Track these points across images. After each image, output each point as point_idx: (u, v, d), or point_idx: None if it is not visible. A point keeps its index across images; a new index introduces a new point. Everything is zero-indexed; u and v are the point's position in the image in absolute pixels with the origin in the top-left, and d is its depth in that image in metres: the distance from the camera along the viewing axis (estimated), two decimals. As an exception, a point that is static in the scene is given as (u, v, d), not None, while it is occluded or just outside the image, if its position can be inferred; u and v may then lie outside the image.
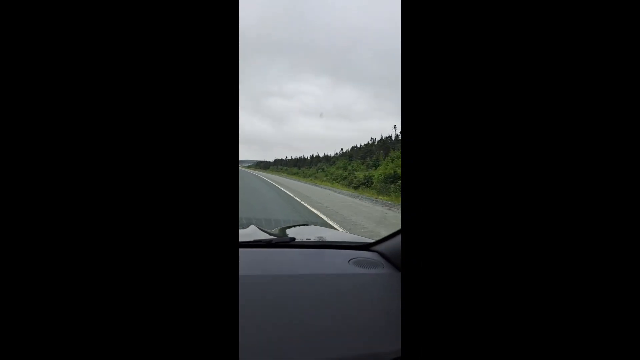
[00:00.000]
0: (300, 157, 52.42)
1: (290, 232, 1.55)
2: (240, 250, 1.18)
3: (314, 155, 45.49)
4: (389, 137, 28.95)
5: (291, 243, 1.30)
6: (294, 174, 34.58)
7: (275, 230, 1.53)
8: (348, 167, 25.73)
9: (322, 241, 1.35)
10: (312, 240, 1.37)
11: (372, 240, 1.34)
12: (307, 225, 2.78)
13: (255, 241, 1.26)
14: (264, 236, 1.34)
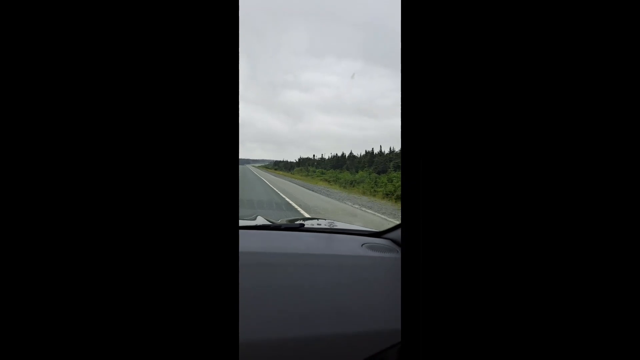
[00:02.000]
0: (342, 154, 35.48)
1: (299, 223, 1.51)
2: (249, 231, 1.18)
3: (373, 152, 29.36)
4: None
5: (301, 228, 1.26)
6: (354, 182, 15.48)
7: (282, 221, 1.50)
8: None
9: (332, 228, 1.31)
10: (322, 226, 1.32)
11: (381, 230, 1.31)
12: (314, 219, 2.74)
13: (263, 225, 1.23)
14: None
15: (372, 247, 1.14)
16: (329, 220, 1.38)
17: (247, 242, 1.07)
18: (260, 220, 1.44)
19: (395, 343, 0.66)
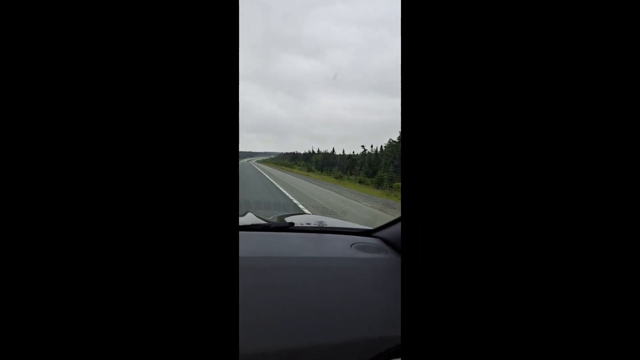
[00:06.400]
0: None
1: (289, 220, 1.48)
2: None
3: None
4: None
5: (290, 228, 1.24)
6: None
7: (273, 218, 1.47)
8: None
9: (322, 226, 1.30)
10: (312, 225, 1.30)
11: (372, 228, 1.30)
12: (306, 214, 2.61)
13: (252, 225, 1.21)
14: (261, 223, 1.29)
15: (361, 248, 1.13)
16: (319, 220, 1.36)
17: None
18: (250, 218, 1.42)
19: (388, 349, 0.66)
